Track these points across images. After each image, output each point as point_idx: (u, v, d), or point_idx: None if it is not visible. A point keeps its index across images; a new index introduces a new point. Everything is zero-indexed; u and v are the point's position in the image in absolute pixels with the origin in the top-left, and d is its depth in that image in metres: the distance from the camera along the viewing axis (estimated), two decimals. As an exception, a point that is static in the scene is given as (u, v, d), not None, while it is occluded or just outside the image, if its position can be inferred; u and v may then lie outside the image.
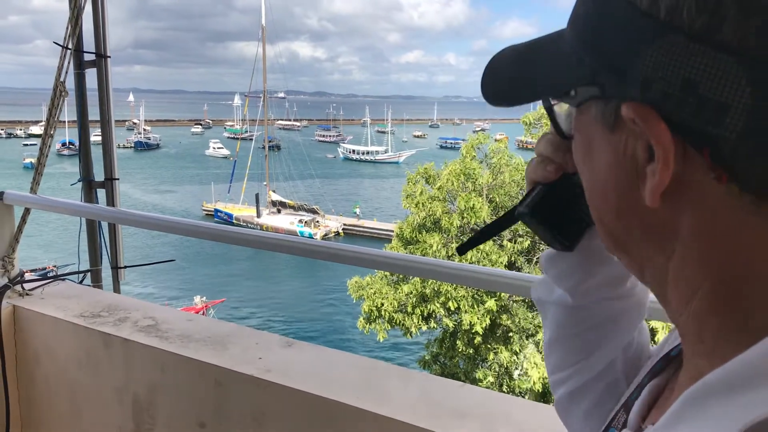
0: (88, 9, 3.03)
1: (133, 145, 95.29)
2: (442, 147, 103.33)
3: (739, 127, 0.45)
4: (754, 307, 0.50)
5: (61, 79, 2.85)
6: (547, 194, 0.77)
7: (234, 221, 47.21)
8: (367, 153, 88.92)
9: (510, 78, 0.67)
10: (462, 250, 0.90)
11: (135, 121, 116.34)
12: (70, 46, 2.93)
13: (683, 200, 0.51)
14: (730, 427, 0.45)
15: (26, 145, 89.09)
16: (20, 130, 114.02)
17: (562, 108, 0.67)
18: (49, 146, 2.90)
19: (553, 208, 0.77)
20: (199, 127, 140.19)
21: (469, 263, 14.39)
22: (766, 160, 0.46)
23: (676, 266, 0.54)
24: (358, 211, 49.05)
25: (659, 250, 0.55)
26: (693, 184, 0.49)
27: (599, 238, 0.68)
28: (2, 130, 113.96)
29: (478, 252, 15.00)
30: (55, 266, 23.99)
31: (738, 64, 0.44)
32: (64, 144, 72.11)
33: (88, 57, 3.09)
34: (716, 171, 0.48)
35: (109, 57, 3.09)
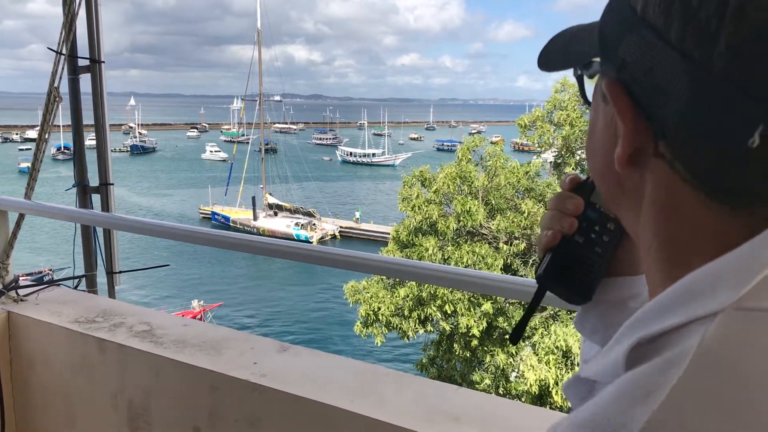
0: (82, 14, 3.03)
1: (129, 148, 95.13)
2: (438, 149, 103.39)
3: (677, 114, 0.54)
4: (684, 267, 0.57)
5: (55, 85, 2.84)
6: (553, 258, 0.86)
7: (231, 224, 47.16)
8: (365, 156, 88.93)
9: (555, 49, 0.77)
10: (514, 339, 0.97)
11: (131, 125, 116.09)
12: (64, 51, 2.93)
13: (645, 171, 0.60)
14: (629, 342, 0.55)
15: (22, 149, 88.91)
16: (16, 134, 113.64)
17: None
18: (44, 151, 2.89)
19: (562, 269, 0.85)
20: (195, 131, 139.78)
21: (465, 267, 14.40)
22: (695, 147, 0.54)
23: (641, 225, 0.64)
24: (358, 215, 48.99)
25: (632, 211, 0.65)
26: (650, 159, 0.59)
27: (614, 290, 0.85)
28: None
29: (474, 255, 15.01)
30: (51, 270, 23.93)
31: (681, 61, 0.52)
32: (59, 148, 71.89)
33: (82, 62, 3.09)
34: (656, 147, 0.57)
35: (103, 62, 3.09)
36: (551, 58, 0.77)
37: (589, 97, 0.73)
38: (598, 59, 0.66)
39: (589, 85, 0.74)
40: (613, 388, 0.52)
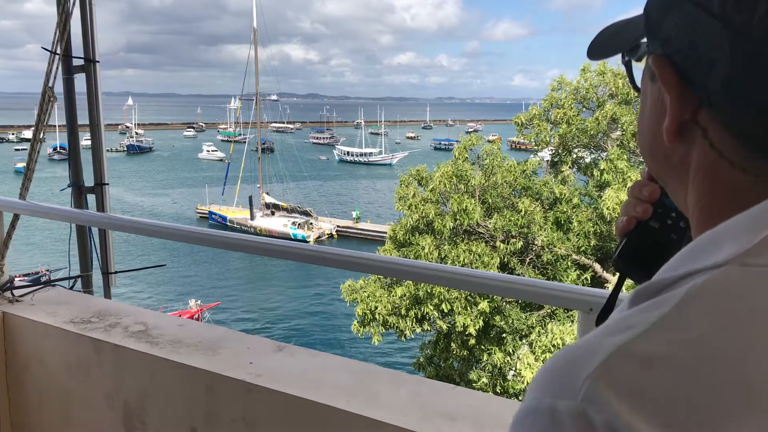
0: (76, 14, 3.02)
1: (126, 148, 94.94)
2: (436, 148, 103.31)
3: (721, 80, 0.56)
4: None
5: (50, 84, 2.84)
6: (627, 242, 0.88)
7: (228, 224, 47.09)
8: (362, 155, 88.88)
9: (605, 38, 0.80)
10: (603, 317, 0.96)
11: (128, 125, 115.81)
12: (58, 51, 2.92)
13: (692, 142, 0.63)
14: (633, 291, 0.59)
15: (18, 149, 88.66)
16: (12, 134, 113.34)
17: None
18: (39, 151, 2.89)
19: (636, 253, 0.87)
20: (192, 130, 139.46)
21: (462, 265, 14.40)
22: (741, 111, 0.57)
23: (688, 197, 0.67)
24: (355, 214, 48.93)
25: (680, 184, 0.68)
26: (697, 129, 0.62)
27: None
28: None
29: (470, 254, 15.01)
30: (48, 270, 23.89)
31: (722, 28, 0.55)
32: (55, 148, 71.72)
33: (76, 62, 3.08)
34: (703, 115, 0.60)
35: (98, 62, 3.09)
36: (601, 46, 0.81)
37: (638, 82, 0.76)
38: (644, 41, 0.69)
39: (638, 71, 0.77)
40: (605, 322, 0.56)
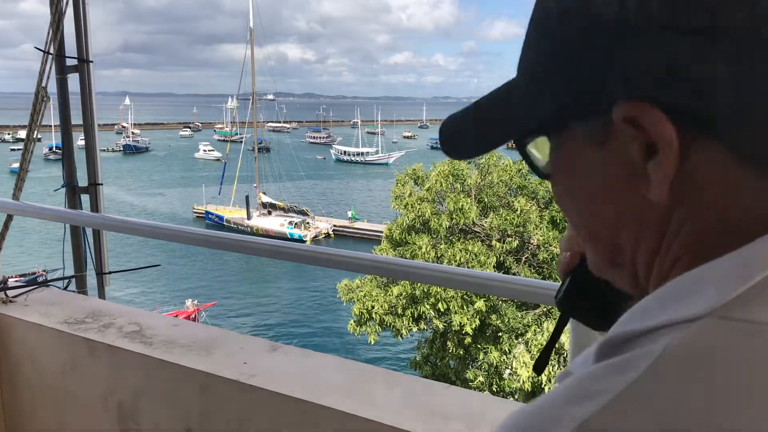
0: (70, 13, 3.01)
1: (122, 148, 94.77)
2: (433, 147, 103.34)
3: (725, 98, 0.48)
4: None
5: (43, 84, 2.83)
6: (572, 281, 0.80)
7: (225, 223, 47.06)
8: (359, 154, 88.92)
9: (472, 132, 0.68)
10: (539, 369, 0.92)
11: (124, 124, 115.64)
12: (51, 51, 2.91)
13: (685, 186, 0.52)
14: (600, 341, 0.54)
15: (14, 149, 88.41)
16: (8, 134, 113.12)
17: (538, 151, 0.66)
18: (32, 151, 2.88)
19: (582, 293, 0.79)
20: (188, 130, 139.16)
21: (458, 265, 14.41)
22: (753, 126, 0.49)
23: (666, 249, 0.56)
24: (350, 214, 48.96)
25: (652, 243, 0.57)
26: (695, 167, 0.51)
27: None
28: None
29: (466, 253, 15.02)
30: (44, 271, 23.83)
31: (708, 42, 0.47)
32: (50, 148, 71.50)
33: (70, 62, 3.07)
34: (709, 145, 0.50)
35: (92, 62, 3.08)
36: (473, 139, 0.67)
37: (541, 164, 0.65)
38: (558, 109, 0.57)
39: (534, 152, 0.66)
40: (569, 380, 0.50)
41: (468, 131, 0.68)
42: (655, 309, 0.52)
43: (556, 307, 0.83)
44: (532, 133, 0.63)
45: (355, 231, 46.50)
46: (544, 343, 12.96)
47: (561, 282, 0.83)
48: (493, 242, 15.66)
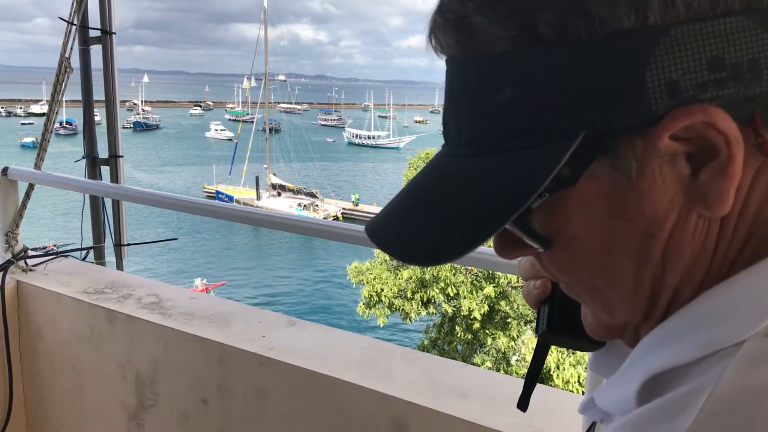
0: (93, -16, 3.02)
1: (132, 125, 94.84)
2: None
3: None
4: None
5: (66, 55, 2.83)
6: (551, 309, 0.75)
7: (234, 203, 47.13)
8: (369, 137, 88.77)
9: (438, 228, 0.53)
10: (522, 406, 0.86)
11: (135, 101, 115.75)
12: (75, 21, 2.91)
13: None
14: (641, 375, 0.48)
15: (24, 124, 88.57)
16: (20, 108, 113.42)
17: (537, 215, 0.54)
18: (54, 122, 2.89)
19: (563, 320, 0.74)
20: (198, 108, 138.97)
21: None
22: None
23: (716, 268, 0.50)
24: (353, 198, 49.01)
25: (702, 268, 0.50)
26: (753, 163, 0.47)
27: None
28: (2, 108, 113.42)
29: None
30: (55, 245, 24.01)
31: (750, 20, 0.44)
32: (61, 123, 71.30)
33: (93, 33, 3.08)
34: (763, 136, 0.46)
35: (114, 34, 3.08)
36: (455, 241, 0.51)
37: (544, 233, 0.53)
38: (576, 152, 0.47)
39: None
40: (619, 428, 0.46)
41: (434, 232, 0.53)
42: (692, 334, 0.47)
43: (542, 340, 0.78)
44: (542, 194, 0.49)
45: (365, 214, 46.53)
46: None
47: (537, 313, 0.77)
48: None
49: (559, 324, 0.74)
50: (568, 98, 0.46)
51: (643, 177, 0.47)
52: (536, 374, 0.82)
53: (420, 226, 0.53)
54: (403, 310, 15.69)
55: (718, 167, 0.45)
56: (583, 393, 1.70)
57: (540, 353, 0.80)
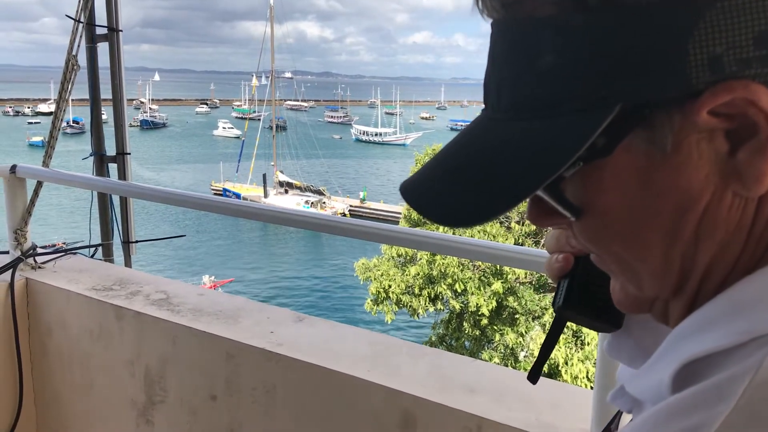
0: (99, -17, 3.02)
1: (139, 123, 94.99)
2: (452, 129, 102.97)
3: None
4: None
5: (73, 53, 2.84)
6: (570, 285, 0.74)
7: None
8: (377, 134, 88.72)
9: (479, 188, 0.53)
10: (533, 378, 0.86)
11: (142, 100, 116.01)
12: (82, 19, 2.92)
13: None
14: (676, 362, 0.47)
15: (31, 123, 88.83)
16: (28, 108, 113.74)
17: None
18: (62, 120, 2.90)
19: (583, 296, 0.73)
20: (205, 106, 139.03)
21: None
22: None
23: (751, 250, 0.50)
24: (361, 195, 48.98)
25: (736, 249, 0.50)
26: None
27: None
28: (10, 107, 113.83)
29: (484, 234, 15.00)
30: (64, 243, 24.12)
31: None
32: (68, 122, 71.35)
33: (99, 31, 3.08)
34: None
35: (121, 31, 3.08)
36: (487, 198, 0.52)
37: (577, 203, 0.53)
38: (614, 120, 0.47)
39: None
40: (649, 418, 0.45)
41: (468, 191, 0.54)
42: (730, 320, 0.46)
43: (557, 314, 0.77)
44: (576, 162, 0.49)
45: (372, 212, 46.53)
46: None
47: (557, 287, 0.76)
48: (512, 224, 15.61)
49: (576, 301, 0.73)
50: (608, 67, 0.46)
51: (679, 151, 0.47)
52: (550, 348, 0.82)
53: (453, 189, 0.54)
54: (410, 306, 15.70)
55: (757, 145, 0.44)
56: (591, 388, 1.69)
57: (556, 328, 0.80)
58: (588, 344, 12.37)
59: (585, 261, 0.69)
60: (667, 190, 0.48)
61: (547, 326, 13.47)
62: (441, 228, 15.33)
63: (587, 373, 12.03)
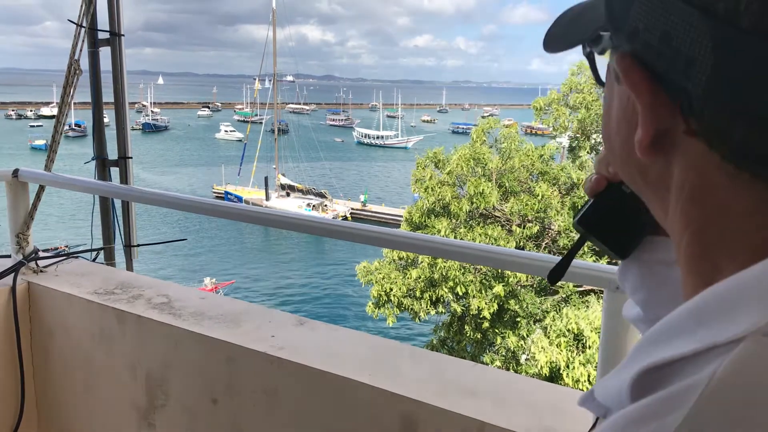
0: (101, -13, 3.02)
1: (141, 126, 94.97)
2: (454, 132, 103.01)
3: (704, 82, 0.45)
4: (721, 265, 0.49)
5: (75, 57, 2.85)
6: (593, 204, 0.79)
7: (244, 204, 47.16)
8: (378, 137, 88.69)
9: (561, 28, 0.68)
10: (554, 279, 0.95)
11: (144, 103, 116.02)
12: (84, 24, 2.92)
13: (672, 155, 0.51)
14: (634, 370, 0.47)
15: (33, 126, 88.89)
16: (30, 111, 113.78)
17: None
18: (64, 124, 2.90)
19: (602, 218, 0.79)
20: (206, 110, 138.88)
21: (478, 248, 14.40)
22: (730, 119, 0.44)
23: (670, 220, 0.55)
24: (362, 198, 48.97)
25: (659, 203, 0.57)
26: (678, 140, 0.50)
27: (659, 251, 0.74)
28: (12, 110, 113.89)
29: (486, 237, 14.99)
30: (67, 246, 24.15)
31: (701, 19, 0.44)
32: (70, 126, 71.31)
33: (101, 35, 3.09)
34: (687, 124, 0.48)
35: (123, 35, 3.09)
36: (559, 36, 0.67)
37: (603, 77, 0.63)
38: (606, 33, 0.56)
39: (602, 63, 0.64)
40: (608, 425, 0.45)
41: (566, 23, 0.67)
42: (688, 329, 0.46)
43: (573, 226, 0.83)
44: (594, 41, 0.60)
45: (373, 215, 46.52)
46: (563, 329, 12.96)
47: (584, 203, 0.82)
48: (513, 227, 15.60)
49: (590, 220, 0.79)
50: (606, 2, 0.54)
51: (622, 85, 0.54)
52: (573, 254, 0.88)
53: (560, 22, 0.68)
54: (412, 309, 15.68)
55: (638, 112, 0.53)
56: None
57: (578, 242, 0.85)
58: (589, 348, 12.35)
59: (614, 188, 0.75)
60: (612, 107, 0.58)
61: (549, 329, 13.47)
62: (442, 232, 15.31)
63: (589, 376, 12.01)
